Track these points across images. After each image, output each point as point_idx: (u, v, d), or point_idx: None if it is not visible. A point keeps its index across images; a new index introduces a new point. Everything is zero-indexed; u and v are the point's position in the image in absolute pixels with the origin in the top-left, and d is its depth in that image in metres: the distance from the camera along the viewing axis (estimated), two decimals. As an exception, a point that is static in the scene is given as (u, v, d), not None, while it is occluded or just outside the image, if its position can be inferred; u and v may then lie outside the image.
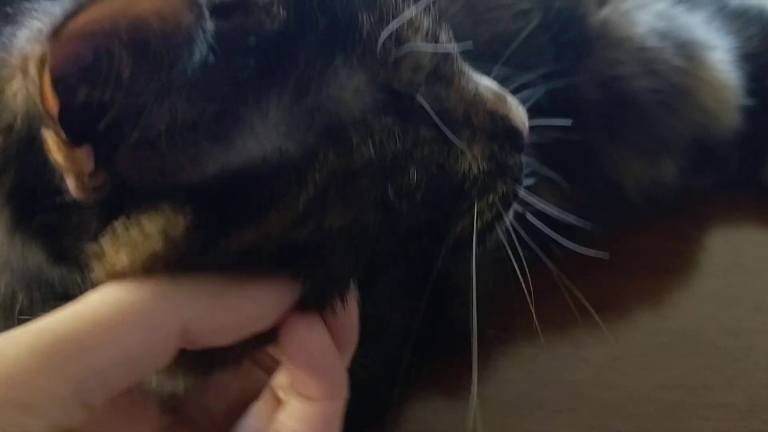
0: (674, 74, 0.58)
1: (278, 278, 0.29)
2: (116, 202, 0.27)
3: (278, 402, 0.31)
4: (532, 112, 0.50)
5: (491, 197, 0.33)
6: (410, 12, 0.30)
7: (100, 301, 0.26)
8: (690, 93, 0.59)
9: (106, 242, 0.27)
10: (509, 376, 0.50)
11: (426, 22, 0.31)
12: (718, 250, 0.60)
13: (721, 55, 0.61)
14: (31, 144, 0.26)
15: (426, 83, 0.31)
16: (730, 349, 0.52)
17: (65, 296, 0.28)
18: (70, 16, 0.23)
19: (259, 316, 0.29)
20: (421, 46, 0.30)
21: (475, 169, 0.32)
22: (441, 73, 0.32)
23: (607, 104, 0.56)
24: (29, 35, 0.26)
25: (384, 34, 0.29)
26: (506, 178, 0.34)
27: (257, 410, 0.32)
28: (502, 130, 0.34)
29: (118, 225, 0.27)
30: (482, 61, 0.54)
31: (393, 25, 0.29)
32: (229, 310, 0.28)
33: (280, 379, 0.32)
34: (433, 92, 0.31)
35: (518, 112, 0.34)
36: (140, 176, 0.27)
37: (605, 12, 0.58)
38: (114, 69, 0.25)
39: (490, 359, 0.51)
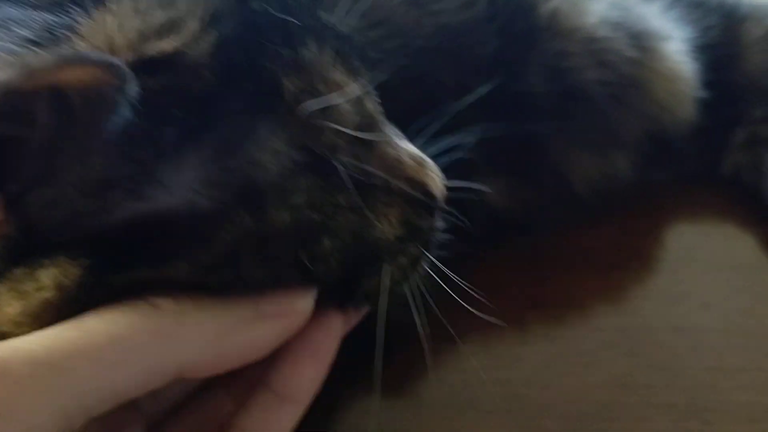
0: (626, 65, 0.56)
1: (284, 309, 0.31)
2: (25, 247, 0.27)
3: None
4: (475, 114, 0.50)
5: (401, 260, 0.34)
6: (336, 77, 0.31)
7: (102, 332, 0.26)
8: (642, 85, 0.57)
9: (2, 288, 0.27)
10: (441, 375, 0.49)
11: (352, 87, 0.31)
12: (670, 246, 0.59)
13: (676, 46, 0.59)
14: None
15: (347, 146, 0.31)
16: (674, 347, 0.51)
17: None
18: None
19: (260, 352, 0.30)
20: (345, 110, 0.31)
21: (389, 235, 0.33)
22: (363, 137, 0.32)
23: (555, 97, 0.55)
24: None
25: (307, 98, 0.29)
26: (418, 241, 0.34)
27: None
28: (419, 195, 0.34)
29: (18, 272, 0.27)
30: (422, 54, 0.54)
31: (317, 90, 0.30)
32: (231, 350, 0.29)
33: None
34: (354, 155, 0.32)
35: (436, 178, 0.35)
36: (50, 224, 0.27)
37: (556, 2, 0.57)
38: (32, 133, 0.25)
39: (423, 358, 0.50)
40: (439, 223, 0.36)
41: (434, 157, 0.39)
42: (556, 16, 0.56)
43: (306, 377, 0.33)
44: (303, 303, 0.31)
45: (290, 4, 0.31)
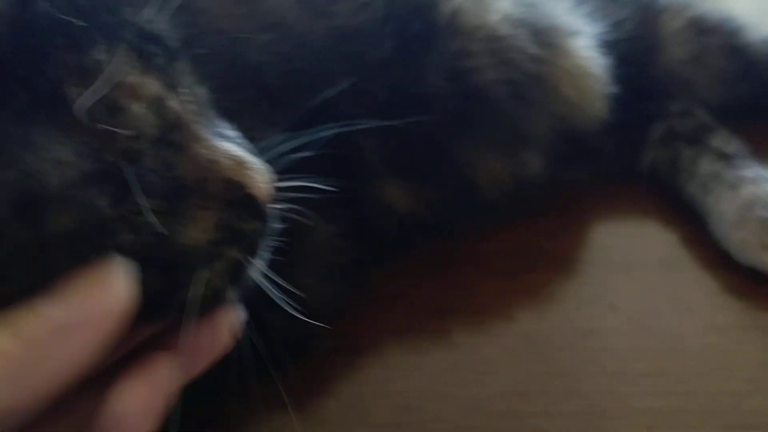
0: (529, 63, 0.55)
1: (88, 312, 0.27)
2: None
3: None
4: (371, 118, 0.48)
5: (218, 265, 0.32)
6: (129, 79, 0.29)
7: None
8: (547, 82, 0.56)
9: None
10: (334, 388, 0.47)
11: (152, 87, 0.30)
12: (584, 247, 0.58)
13: (584, 42, 0.58)
14: None
15: (152, 150, 0.30)
16: (578, 352, 0.50)
17: None
18: None
19: (80, 367, 0.27)
20: (140, 113, 0.29)
21: (199, 240, 0.31)
22: (170, 139, 0.31)
23: (456, 98, 0.54)
24: None
25: (88, 103, 0.27)
26: (238, 246, 0.32)
27: None
28: (239, 197, 0.33)
29: None
30: (315, 57, 0.52)
31: (102, 93, 0.28)
32: (38, 386, 0.27)
33: None
34: (162, 159, 0.30)
35: (258, 179, 0.33)
36: None
37: (458, 0, 0.56)
38: None
39: (320, 370, 0.48)
40: (271, 225, 0.34)
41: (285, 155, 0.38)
42: (457, 14, 0.55)
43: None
44: (112, 297, 0.28)
45: (81, 4, 0.29)
